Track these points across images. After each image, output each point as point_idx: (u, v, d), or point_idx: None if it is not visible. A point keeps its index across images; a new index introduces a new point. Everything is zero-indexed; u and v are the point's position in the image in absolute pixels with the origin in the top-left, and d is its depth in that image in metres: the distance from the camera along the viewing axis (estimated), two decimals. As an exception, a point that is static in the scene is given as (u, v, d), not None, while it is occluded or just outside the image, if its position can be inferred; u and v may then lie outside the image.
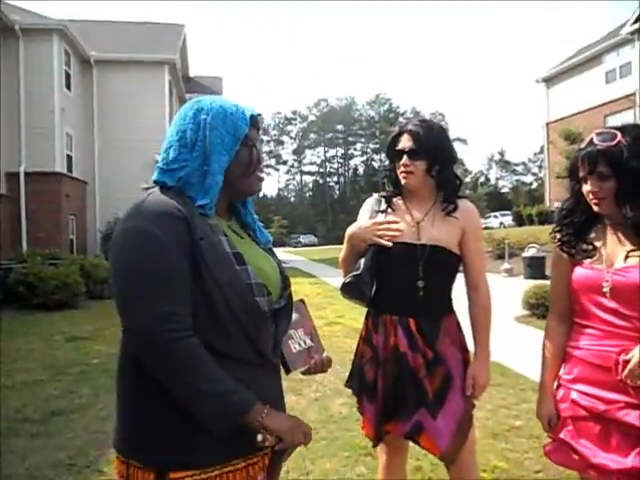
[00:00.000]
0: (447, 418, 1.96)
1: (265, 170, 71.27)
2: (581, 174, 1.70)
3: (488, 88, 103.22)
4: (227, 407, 1.14)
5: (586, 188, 1.68)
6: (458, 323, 2.12)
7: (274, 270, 1.38)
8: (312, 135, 71.57)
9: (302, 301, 1.58)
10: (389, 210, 2.14)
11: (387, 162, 2.22)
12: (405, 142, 2.06)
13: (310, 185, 73.79)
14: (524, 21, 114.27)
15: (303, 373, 1.57)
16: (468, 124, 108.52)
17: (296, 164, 73.08)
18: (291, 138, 72.97)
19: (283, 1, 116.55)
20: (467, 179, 73.06)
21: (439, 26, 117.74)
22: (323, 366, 1.57)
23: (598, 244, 1.72)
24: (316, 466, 3.17)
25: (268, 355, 1.29)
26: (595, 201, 1.67)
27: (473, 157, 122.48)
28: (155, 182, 1.29)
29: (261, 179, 1.38)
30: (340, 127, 70.33)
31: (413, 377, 1.97)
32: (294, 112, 72.32)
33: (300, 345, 1.51)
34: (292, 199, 72.98)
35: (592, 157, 1.64)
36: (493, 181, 69.18)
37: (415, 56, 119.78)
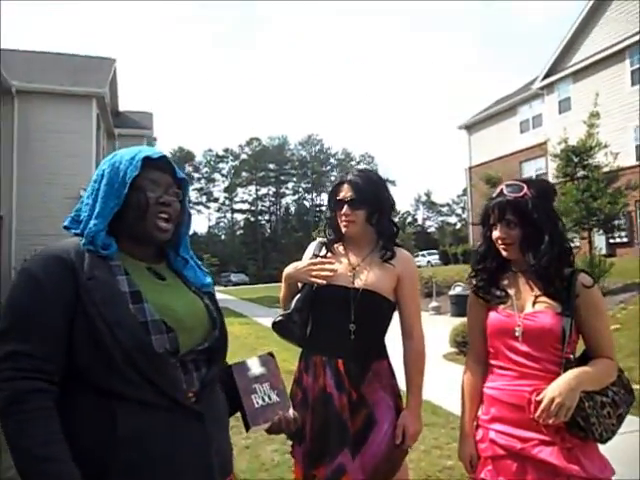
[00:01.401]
0: (364, 461, 1.97)
1: (196, 207, 70.40)
2: (491, 221, 1.85)
3: (415, 132, 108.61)
4: (37, 474, 1.06)
5: (495, 234, 1.83)
6: (391, 368, 2.14)
7: (193, 310, 1.34)
8: (244, 173, 71.68)
9: (271, 354, 1.52)
10: (328, 255, 2.22)
11: (328, 211, 2.30)
12: (346, 192, 2.14)
13: (241, 223, 73.40)
14: (449, 70, 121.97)
15: (267, 431, 1.44)
16: (396, 166, 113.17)
17: (227, 202, 72.64)
18: (223, 176, 72.72)
19: (216, 38, 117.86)
20: (395, 219, 75.46)
21: (370, 71, 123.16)
22: (288, 424, 1.44)
23: (510, 290, 1.86)
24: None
25: (178, 398, 1.22)
26: (503, 246, 1.82)
27: (401, 198, 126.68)
28: (64, 228, 1.37)
29: (158, 225, 1.34)
30: (272, 166, 70.96)
31: (338, 418, 1.99)
32: (226, 150, 72.37)
33: (264, 400, 1.41)
34: (223, 237, 72.09)
35: (501, 206, 1.81)
36: (420, 221, 71.80)
37: (345, 99, 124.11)
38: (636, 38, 18.69)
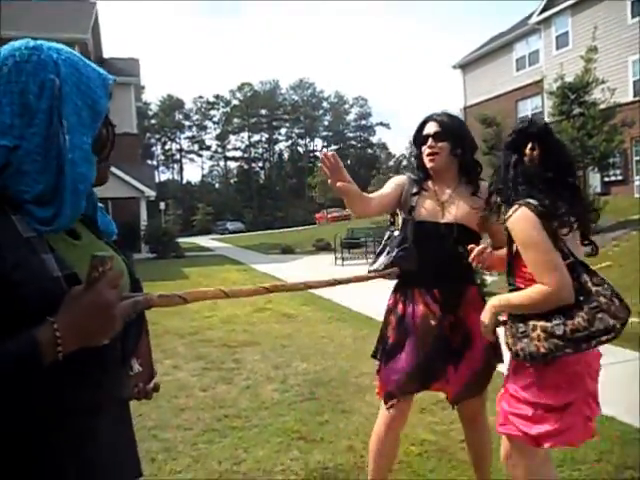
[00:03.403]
0: (462, 374, 2.23)
1: (188, 156, 69.51)
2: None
3: (409, 73, 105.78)
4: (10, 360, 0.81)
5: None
6: (480, 294, 2.39)
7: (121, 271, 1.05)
8: (236, 120, 70.28)
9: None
10: (422, 192, 2.33)
11: (414, 149, 2.46)
12: (430, 127, 2.31)
13: (235, 171, 72.64)
14: (442, 9, 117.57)
15: (127, 399, 1.32)
16: (390, 109, 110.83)
17: (220, 150, 71.60)
18: (214, 123, 71.32)
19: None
20: (391, 162, 74.92)
21: (361, 12, 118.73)
22: (146, 395, 1.31)
23: None
24: (249, 454, 3.13)
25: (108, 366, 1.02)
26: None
27: (396, 141, 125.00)
28: None
29: (109, 166, 1.09)
30: (264, 112, 69.49)
31: (443, 338, 2.22)
32: (217, 96, 70.62)
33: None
34: (217, 185, 71.53)
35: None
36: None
37: (337, 40, 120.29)
38: (637, -34, 17.98)
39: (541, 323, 1.73)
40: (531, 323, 1.76)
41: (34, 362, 0.81)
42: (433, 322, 2.24)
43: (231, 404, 3.96)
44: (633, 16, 18.67)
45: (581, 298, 1.72)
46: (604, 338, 1.70)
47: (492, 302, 1.92)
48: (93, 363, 0.94)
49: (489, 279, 8.15)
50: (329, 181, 2.11)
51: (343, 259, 14.65)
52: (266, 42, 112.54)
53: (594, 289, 1.73)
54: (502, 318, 1.90)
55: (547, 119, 17.54)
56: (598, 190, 16.45)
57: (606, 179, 17.98)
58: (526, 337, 1.76)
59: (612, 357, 4.74)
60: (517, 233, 1.81)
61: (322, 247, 19.19)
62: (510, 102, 25.02)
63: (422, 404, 3.78)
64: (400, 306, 2.33)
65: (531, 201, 1.78)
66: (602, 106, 12.61)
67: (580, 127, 12.28)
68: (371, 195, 2.34)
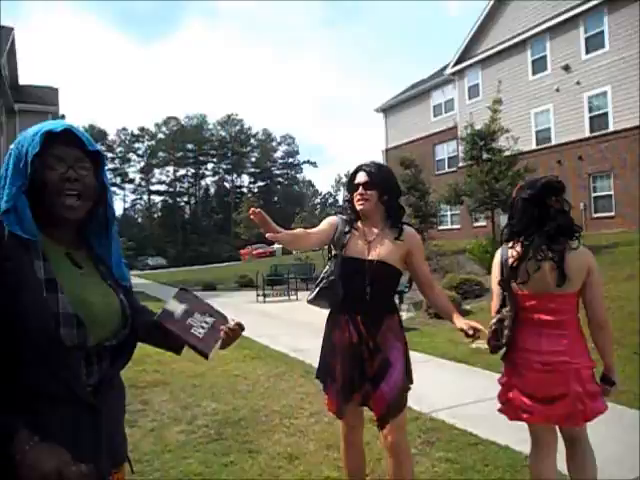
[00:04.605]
0: (384, 392, 2.48)
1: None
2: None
3: (337, 115, 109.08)
4: None
5: None
6: (400, 322, 2.68)
7: (108, 306, 1.32)
8: (161, 153, 69.17)
9: (184, 289, 1.55)
10: (352, 232, 2.64)
11: (346, 194, 2.80)
12: (361, 177, 2.64)
13: (159, 205, 71.01)
14: (365, 55, 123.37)
15: (222, 348, 1.53)
16: (318, 148, 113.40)
17: (144, 183, 69.93)
18: (138, 156, 69.79)
19: (127, 13, 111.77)
20: (317, 200, 76.14)
21: (292, 55, 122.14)
22: (235, 332, 1.52)
23: None
24: (146, 500, 3.00)
25: (76, 391, 1.20)
26: None
27: (323, 179, 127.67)
28: None
29: (64, 203, 1.29)
30: (190, 146, 68.93)
31: (360, 361, 2.52)
32: (141, 129, 69.42)
33: (203, 327, 1.49)
34: (139, 220, 69.45)
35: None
36: (341, 202, 72.77)
37: (266, 78, 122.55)
38: (536, 30, 19.85)
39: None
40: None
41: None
42: (353, 346, 2.53)
43: (132, 448, 3.77)
44: (534, 73, 20.49)
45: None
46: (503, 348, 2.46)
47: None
48: (53, 356, 1.17)
49: (405, 315, 8.40)
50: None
51: (265, 295, 14.57)
52: (193, 76, 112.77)
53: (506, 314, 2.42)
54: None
55: (460, 164, 18.69)
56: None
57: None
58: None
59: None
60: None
61: (245, 284, 18.98)
62: (428, 146, 26.42)
63: (329, 440, 3.81)
64: (331, 331, 2.65)
65: (509, 242, 2.47)
66: (507, 153, 13.63)
67: (488, 171, 13.17)
68: (310, 231, 2.63)
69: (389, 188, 2.65)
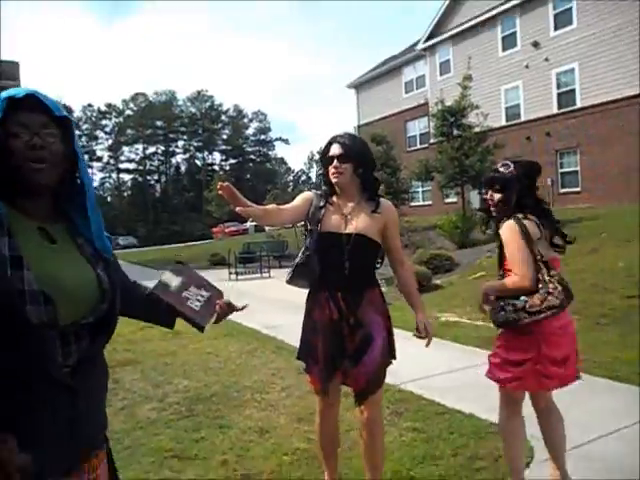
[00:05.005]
0: (365, 367, 2.46)
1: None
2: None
3: (309, 91, 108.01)
4: None
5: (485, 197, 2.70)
6: (382, 295, 2.63)
7: (83, 281, 1.26)
8: (129, 131, 67.50)
9: (180, 262, 1.57)
10: (327, 206, 2.57)
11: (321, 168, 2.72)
12: (335, 149, 2.54)
13: (129, 183, 69.61)
14: (338, 31, 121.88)
15: (216, 322, 1.56)
16: (290, 124, 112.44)
17: (112, 161, 68.33)
18: (106, 133, 68.02)
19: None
20: (290, 177, 75.79)
21: (262, 27, 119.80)
22: (229, 307, 1.56)
23: None
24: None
25: (51, 372, 1.17)
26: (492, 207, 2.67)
27: (295, 157, 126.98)
28: None
29: (33, 169, 1.24)
30: (160, 123, 67.43)
31: (340, 337, 2.47)
32: (108, 105, 67.50)
33: (199, 300, 1.50)
34: (109, 198, 68.03)
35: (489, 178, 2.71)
36: (314, 179, 72.62)
37: (237, 54, 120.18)
38: (506, 6, 19.89)
39: (512, 301, 2.44)
40: (507, 301, 2.46)
41: None
42: (334, 323, 2.49)
43: (102, 426, 3.77)
44: (504, 50, 20.60)
45: (539, 285, 2.42)
46: (550, 313, 2.39)
47: (483, 287, 2.61)
48: (23, 336, 1.14)
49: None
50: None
51: (237, 273, 14.54)
52: (160, 51, 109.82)
53: (547, 279, 2.42)
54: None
55: (431, 140, 18.78)
56: (476, 206, 17.82)
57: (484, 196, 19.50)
58: (502, 311, 2.47)
59: (475, 359, 5.14)
60: (502, 236, 2.54)
61: (217, 262, 18.87)
62: (400, 122, 26.45)
63: (300, 414, 3.87)
64: (311, 309, 2.58)
65: (518, 215, 2.51)
66: (477, 129, 13.75)
67: (458, 147, 13.28)
68: (283, 207, 2.56)
69: (364, 160, 2.57)
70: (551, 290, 2.40)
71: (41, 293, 1.16)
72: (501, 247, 2.59)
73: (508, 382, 2.52)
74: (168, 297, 1.47)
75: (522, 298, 2.42)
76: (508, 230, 2.50)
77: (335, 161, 2.51)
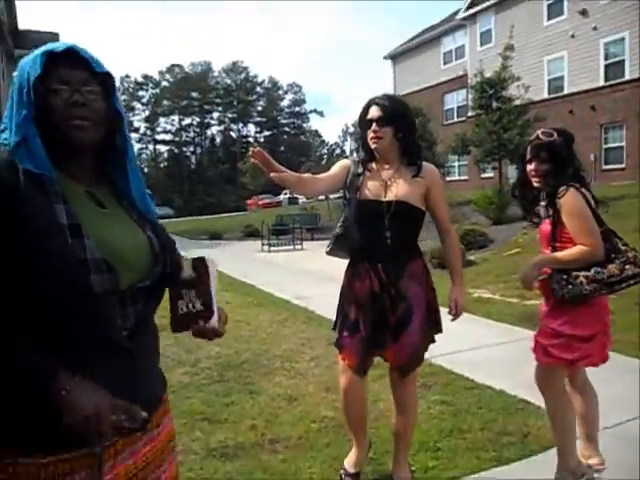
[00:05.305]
0: (404, 343, 2.37)
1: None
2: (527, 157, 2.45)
3: (344, 62, 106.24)
4: (18, 374, 1.03)
5: (529, 168, 2.44)
6: (425, 267, 2.50)
7: (137, 246, 1.24)
8: (165, 102, 67.94)
9: (203, 259, 1.39)
10: (366, 173, 2.44)
11: (359, 130, 2.54)
12: (374, 112, 2.38)
13: (165, 155, 70.48)
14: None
15: (193, 334, 1.42)
16: (324, 97, 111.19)
17: (149, 132, 69.09)
18: (143, 104, 68.57)
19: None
20: (324, 150, 75.35)
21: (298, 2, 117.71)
22: (208, 333, 1.38)
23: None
24: (150, 436, 3.11)
25: (112, 336, 1.17)
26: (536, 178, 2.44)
27: (330, 129, 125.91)
28: None
29: (75, 125, 1.18)
30: (196, 95, 67.59)
31: (381, 311, 2.36)
32: (145, 77, 67.96)
33: (187, 307, 1.36)
34: (146, 169, 69.08)
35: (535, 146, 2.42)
36: (348, 152, 71.90)
37: (272, 25, 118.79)
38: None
39: (583, 273, 2.28)
40: (574, 273, 2.29)
41: (39, 385, 1.04)
42: (374, 295, 2.37)
43: (137, 388, 3.90)
44: (549, 18, 19.73)
45: (613, 255, 2.29)
46: (632, 282, 2.27)
47: (537, 259, 2.42)
48: (86, 304, 1.11)
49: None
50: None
51: (270, 245, 14.66)
52: (197, 23, 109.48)
53: (623, 248, 2.31)
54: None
55: (469, 113, 18.30)
56: (514, 181, 17.37)
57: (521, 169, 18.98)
58: (570, 284, 2.29)
59: (506, 336, 5.07)
60: (565, 206, 2.32)
61: (250, 233, 19.08)
62: (437, 94, 25.82)
63: (328, 383, 3.91)
64: (350, 281, 2.47)
65: (576, 185, 2.35)
66: (517, 102, 13.30)
67: (497, 121, 12.90)
68: (318, 176, 2.47)
69: (405, 124, 2.41)
70: (631, 258, 2.28)
71: (103, 261, 1.13)
72: (555, 219, 2.40)
73: (578, 361, 2.38)
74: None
75: (594, 269, 2.28)
76: (572, 199, 2.33)
77: (374, 124, 2.36)
